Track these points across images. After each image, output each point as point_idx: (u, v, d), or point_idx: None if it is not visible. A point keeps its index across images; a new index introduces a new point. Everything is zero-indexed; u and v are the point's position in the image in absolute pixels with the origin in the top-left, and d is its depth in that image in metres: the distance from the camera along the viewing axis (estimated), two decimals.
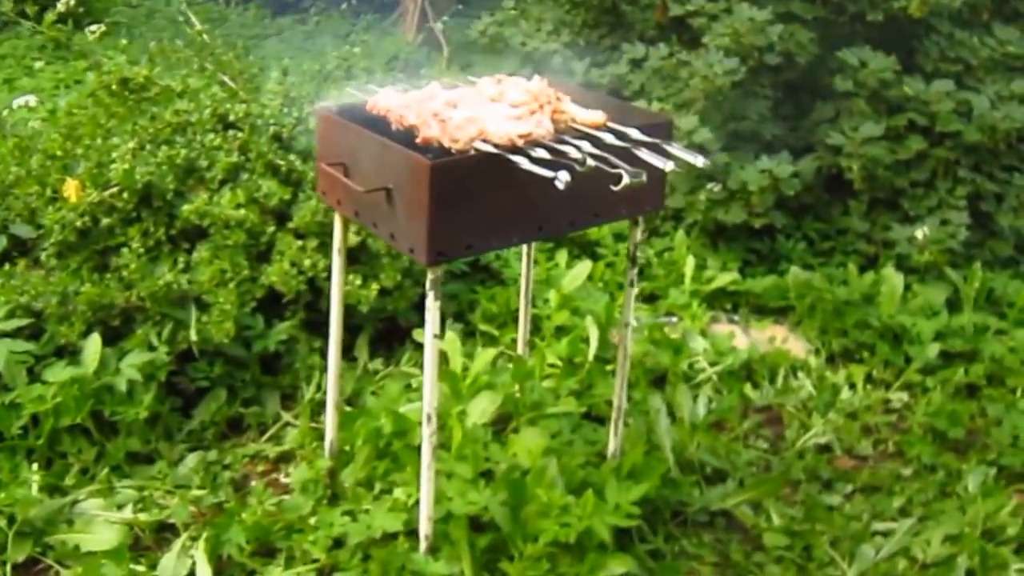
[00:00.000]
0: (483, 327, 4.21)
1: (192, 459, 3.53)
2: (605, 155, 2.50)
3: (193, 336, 3.63)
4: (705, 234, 4.77)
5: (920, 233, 4.24)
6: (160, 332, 3.66)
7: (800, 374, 4.10)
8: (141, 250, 3.75)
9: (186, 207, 3.80)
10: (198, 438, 3.68)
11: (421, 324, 4.14)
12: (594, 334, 4.00)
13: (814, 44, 4.77)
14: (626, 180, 2.40)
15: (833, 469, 3.61)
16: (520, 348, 3.70)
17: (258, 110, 4.15)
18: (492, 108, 2.77)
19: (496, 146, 2.56)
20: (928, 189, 4.69)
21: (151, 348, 3.63)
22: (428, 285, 2.59)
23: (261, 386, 3.85)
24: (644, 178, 2.42)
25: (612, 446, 3.29)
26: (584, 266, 4.35)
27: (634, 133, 2.67)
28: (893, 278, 4.38)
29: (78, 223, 3.76)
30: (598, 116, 2.75)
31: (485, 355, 3.69)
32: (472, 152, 2.54)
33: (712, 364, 4.07)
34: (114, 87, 4.16)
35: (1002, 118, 4.54)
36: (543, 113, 2.71)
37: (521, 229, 2.66)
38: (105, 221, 3.81)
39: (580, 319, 4.11)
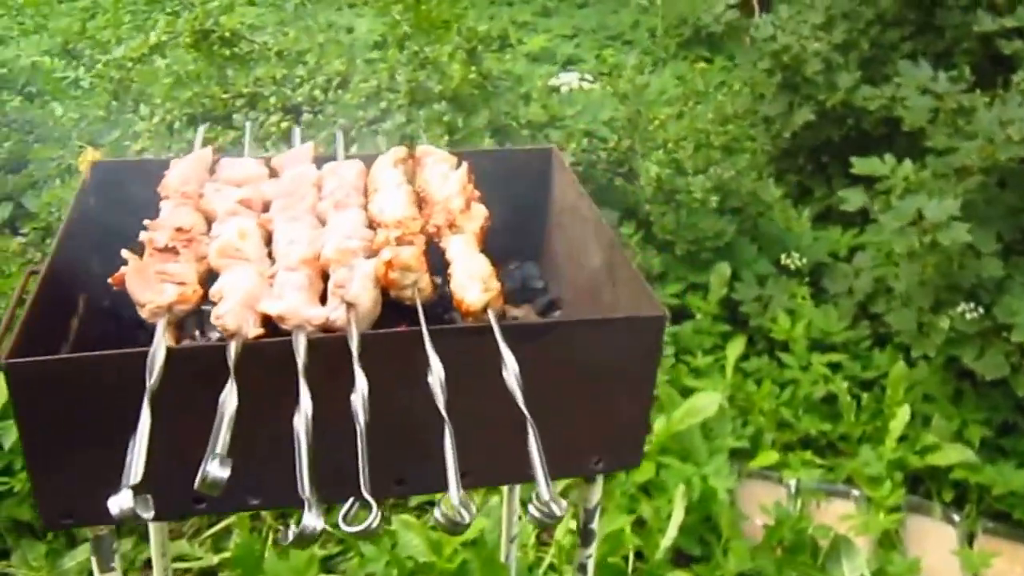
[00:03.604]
0: None
1: None
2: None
3: None
4: (944, 369, 2.92)
5: None
6: None
7: None
8: None
9: None
10: None
11: None
12: (678, 515, 2.47)
13: None
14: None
15: None
16: (504, 552, 2.24)
17: (313, 94, 2.98)
18: (334, 223, 1.39)
19: (222, 329, 1.21)
20: None
21: None
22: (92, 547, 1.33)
23: None
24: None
25: None
26: (714, 398, 2.74)
27: (511, 379, 1.17)
28: None
29: None
30: (474, 297, 1.26)
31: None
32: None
33: None
34: (188, 39, 3.16)
35: None
36: (375, 259, 1.29)
37: (273, 492, 1.29)
38: None
39: (674, 479, 2.58)
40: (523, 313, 1.69)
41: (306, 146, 1.59)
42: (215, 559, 2.48)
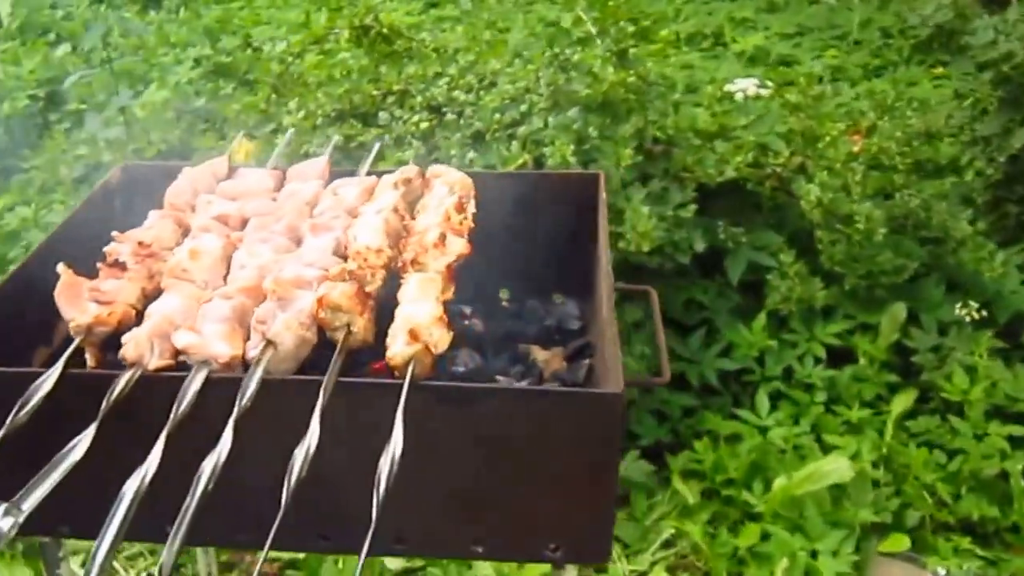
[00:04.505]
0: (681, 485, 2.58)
1: None
2: None
3: None
4: None
5: None
6: None
7: None
8: None
9: None
10: None
11: None
12: None
13: None
14: None
15: None
16: None
17: (465, 97, 2.89)
18: (304, 248, 1.29)
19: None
20: None
21: None
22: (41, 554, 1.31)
23: None
24: None
25: None
26: (843, 464, 2.39)
27: (385, 458, 1.01)
28: None
29: None
30: (396, 350, 1.11)
31: None
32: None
33: None
34: (347, 33, 3.18)
35: None
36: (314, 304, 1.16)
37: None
38: None
39: (779, 552, 2.28)
40: (547, 357, 1.52)
41: (320, 159, 1.50)
42: (285, 555, 2.47)
